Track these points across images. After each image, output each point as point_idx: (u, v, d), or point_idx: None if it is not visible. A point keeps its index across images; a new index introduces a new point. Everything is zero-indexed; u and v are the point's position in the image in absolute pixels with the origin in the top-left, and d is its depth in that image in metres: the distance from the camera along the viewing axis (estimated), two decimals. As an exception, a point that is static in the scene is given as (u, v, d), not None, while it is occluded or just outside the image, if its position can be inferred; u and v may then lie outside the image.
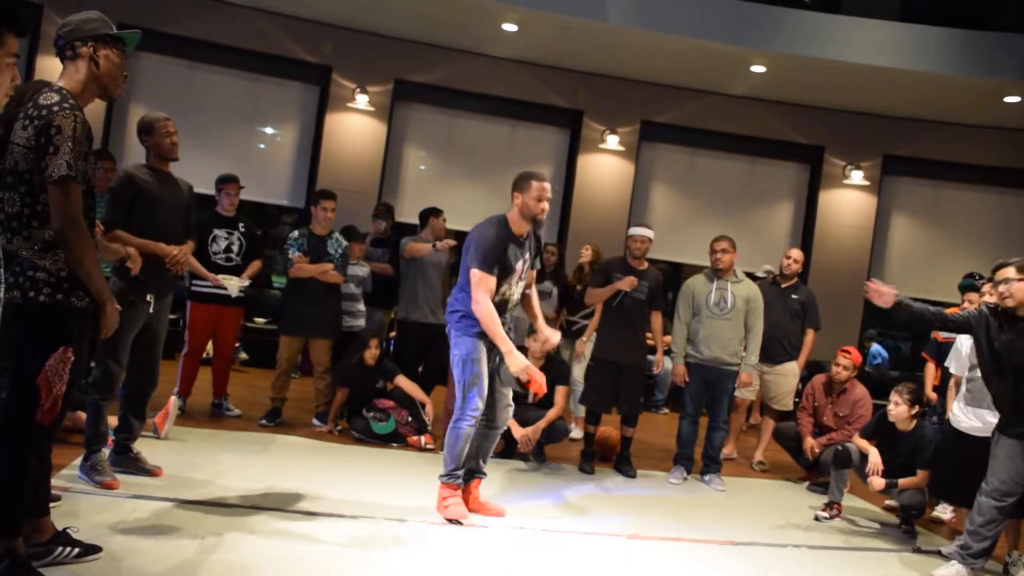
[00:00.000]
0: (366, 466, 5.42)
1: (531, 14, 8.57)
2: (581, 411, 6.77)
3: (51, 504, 3.32)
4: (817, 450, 6.20)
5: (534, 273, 4.82)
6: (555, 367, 6.06)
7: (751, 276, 6.67)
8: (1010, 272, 4.48)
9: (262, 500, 4.34)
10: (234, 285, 6.09)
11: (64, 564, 3.14)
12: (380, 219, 7.69)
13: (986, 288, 5.28)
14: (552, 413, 5.92)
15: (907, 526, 5.41)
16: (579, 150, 10.39)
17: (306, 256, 6.32)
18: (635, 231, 6.29)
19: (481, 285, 4.35)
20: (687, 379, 6.15)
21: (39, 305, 2.90)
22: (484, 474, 4.73)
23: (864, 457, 5.46)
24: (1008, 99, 9.31)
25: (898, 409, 5.42)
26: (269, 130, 10.26)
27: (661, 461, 6.60)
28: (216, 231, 6.28)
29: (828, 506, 5.56)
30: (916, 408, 5.46)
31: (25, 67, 8.58)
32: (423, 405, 6.25)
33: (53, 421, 2.94)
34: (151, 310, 4.43)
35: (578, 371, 6.94)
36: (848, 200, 10.68)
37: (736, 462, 7.04)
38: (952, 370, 5.42)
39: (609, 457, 6.35)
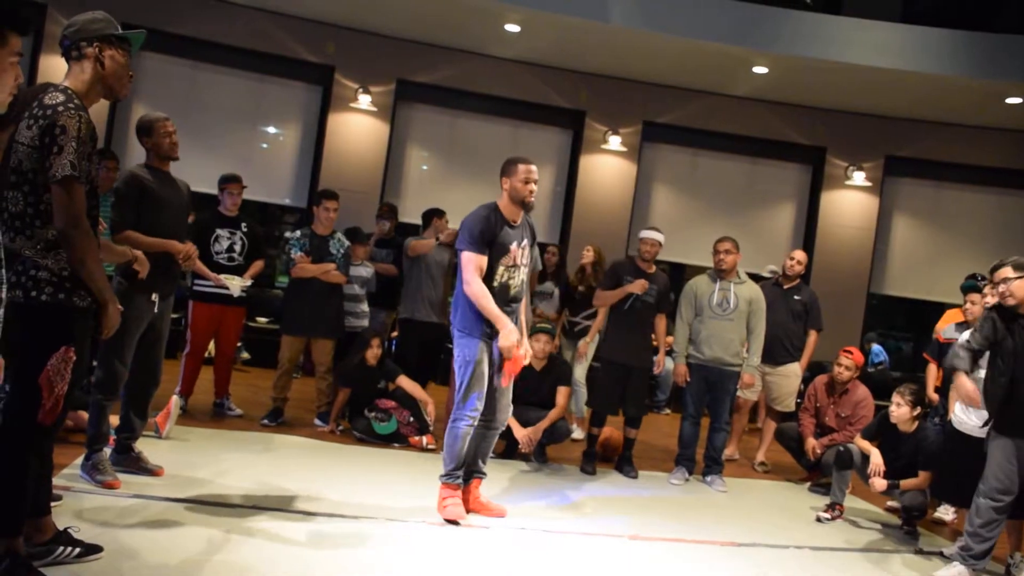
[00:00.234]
0: (367, 466, 5.42)
1: (533, 15, 8.57)
2: (584, 412, 6.77)
3: (52, 504, 3.32)
4: (819, 451, 6.20)
5: (535, 274, 4.81)
6: (557, 368, 6.06)
7: (756, 276, 6.67)
8: (1008, 271, 4.51)
9: (263, 500, 4.34)
10: (236, 285, 6.09)
11: (65, 564, 3.14)
12: (384, 219, 7.70)
13: (987, 290, 5.28)
14: (554, 414, 5.92)
15: (909, 527, 5.41)
16: (581, 151, 10.39)
17: (308, 256, 6.32)
18: (646, 234, 6.28)
19: (470, 265, 4.35)
20: (688, 379, 6.15)
21: (41, 304, 2.90)
22: (484, 474, 4.72)
23: (866, 458, 5.46)
24: (1010, 100, 9.30)
25: (900, 410, 5.42)
26: (272, 130, 10.27)
27: (663, 462, 6.60)
28: (219, 231, 6.29)
29: (830, 507, 5.56)
30: (918, 409, 5.46)
31: (29, 66, 8.59)
32: (425, 405, 6.25)
33: (55, 421, 2.94)
34: (155, 310, 4.43)
35: (579, 372, 6.94)
36: (850, 201, 10.67)
37: (738, 463, 7.04)
38: (954, 371, 5.41)
39: (611, 458, 6.35)
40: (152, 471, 4.49)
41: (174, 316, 7.40)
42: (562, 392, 6.00)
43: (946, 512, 5.96)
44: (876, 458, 5.40)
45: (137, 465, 4.49)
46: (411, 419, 6.15)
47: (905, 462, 5.38)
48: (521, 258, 4.55)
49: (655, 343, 6.49)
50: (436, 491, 4.53)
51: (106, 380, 4.33)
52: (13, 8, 2.66)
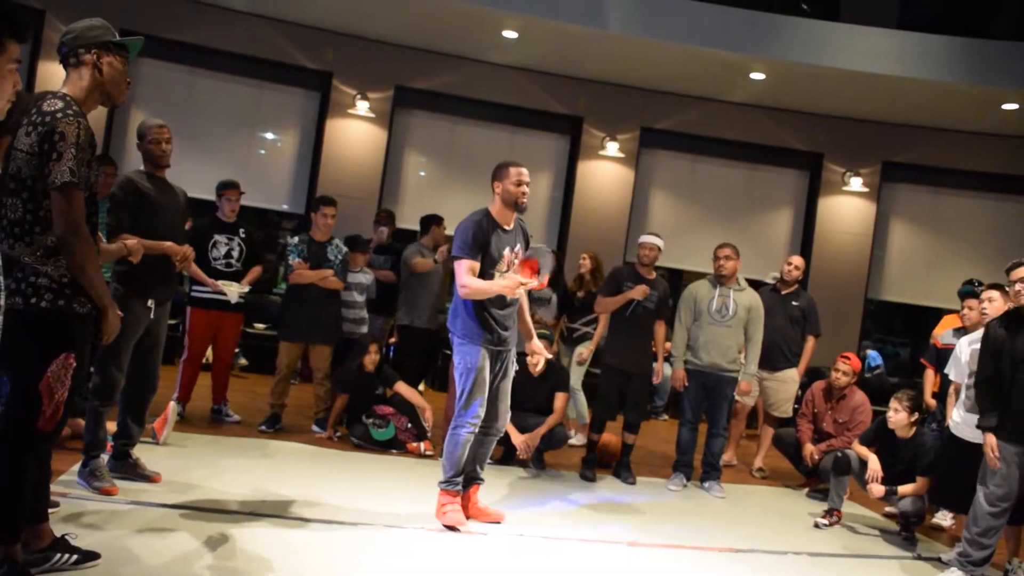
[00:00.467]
0: (365, 472, 5.42)
1: (531, 21, 8.59)
2: (586, 417, 6.77)
3: (50, 510, 3.32)
4: (817, 456, 6.20)
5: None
6: (554, 374, 6.05)
7: (755, 283, 6.67)
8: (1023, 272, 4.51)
9: (261, 506, 4.33)
10: (234, 291, 6.09)
11: (62, 571, 3.14)
12: (382, 226, 7.72)
13: (985, 295, 5.28)
14: (551, 420, 5.92)
15: (907, 533, 5.41)
16: (579, 157, 10.40)
17: (306, 262, 6.32)
18: (645, 239, 6.30)
19: (464, 269, 4.37)
20: (686, 384, 6.15)
21: (41, 311, 2.90)
22: (482, 480, 4.72)
23: (864, 464, 5.47)
24: (1007, 106, 9.33)
25: (898, 416, 5.42)
26: (270, 136, 10.27)
27: (661, 468, 6.60)
28: (217, 237, 6.29)
29: (828, 513, 5.56)
30: (915, 415, 5.46)
31: (27, 73, 8.60)
32: (423, 411, 6.25)
33: (55, 427, 2.94)
34: (152, 316, 4.43)
35: (575, 378, 6.91)
36: (847, 207, 10.69)
37: (736, 469, 7.03)
38: (951, 377, 5.42)
39: (609, 464, 6.35)
40: (150, 477, 4.49)
41: (172, 322, 7.40)
42: (560, 398, 6.00)
43: (944, 518, 5.96)
44: (874, 464, 5.40)
45: (135, 471, 4.49)
46: (409, 425, 6.14)
47: (903, 468, 5.38)
48: (515, 264, 4.56)
49: (654, 349, 6.49)
50: (434, 497, 4.53)
51: (102, 386, 4.32)
52: (11, 14, 2.66)
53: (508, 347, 4.55)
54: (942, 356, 6.05)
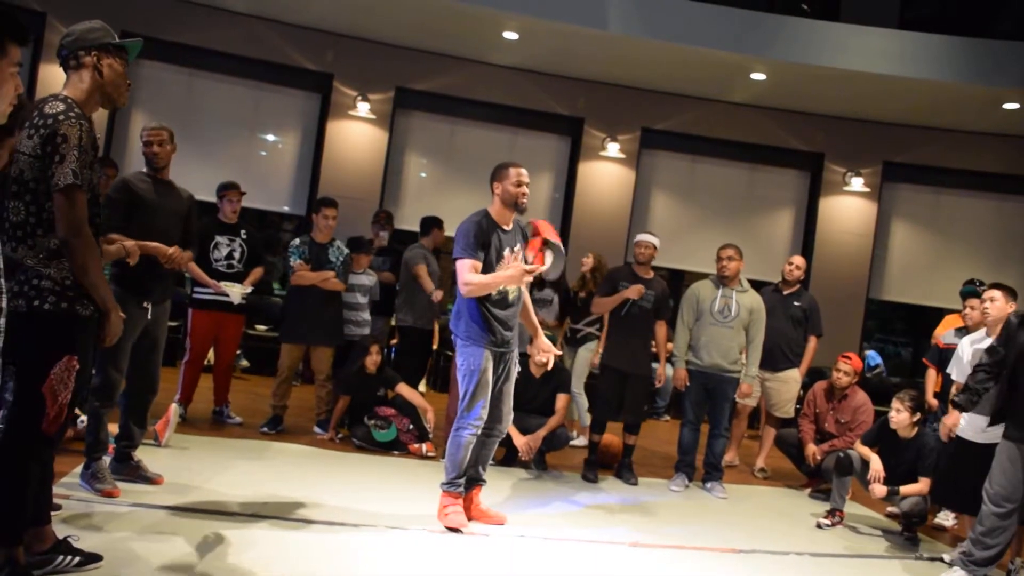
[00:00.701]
0: (367, 474, 5.42)
1: (532, 22, 8.59)
2: (586, 419, 6.76)
3: (52, 512, 3.32)
4: (819, 457, 6.19)
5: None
6: (556, 375, 6.05)
7: (756, 283, 6.66)
8: None
9: (263, 508, 4.33)
10: (237, 292, 6.09)
11: (65, 573, 3.14)
12: (382, 230, 7.72)
13: (987, 295, 5.28)
14: (553, 421, 5.91)
15: (909, 533, 5.41)
16: (580, 157, 10.40)
17: (307, 264, 6.32)
18: (641, 237, 6.31)
19: (466, 268, 4.36)
20: (688, 384, 6.15)
21: (44, 313, 2.90)
22: (484, 481, 4.72)
23: (866, 464, 5.46)
24: (1007, 106, 9.32)
25: (900, 416, 5.42)
26: (271, 138, 10.28)
27: (662, 468, 6.60)
28: (218, 238, 6.30)
29: (830, 513, 5.56)
30: (918, 415, 5.46)
31: (28, 75, 8.61)
32: (424, 412, 6.25)
33: (58, 430, 2.94)
34: (149, 316, 4.42)
35: (577, 380, 6.89)
36: (848, 207, 10.69)
37: (738, 469, 7.03)
38: (954, 376, 5.42)
39: (610, 465, 6.35)
40: (151, 479, 4.49)
41: (174, 324, 7.41)
42: (561, 399, 6.00)
43: (946, 518, 5.96)
44: (876, 464, 5.40)
45: (136, 473, 4.49)
46: (411, 427, 6.14)
47: (905, 468, 5.38)
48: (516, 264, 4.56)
49: (655, 350, 6.48)
50: (436, 498, 4.52)
51: (102, 387, 4.32)
52: (12, 18, 2.67)
53: (511, 348, 4.55)
54: (944, 356, 6.05)
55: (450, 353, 7.21)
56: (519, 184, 4.50)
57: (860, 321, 10.59)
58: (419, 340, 7.35)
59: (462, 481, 4.51)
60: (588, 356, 6.97)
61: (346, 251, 6.55)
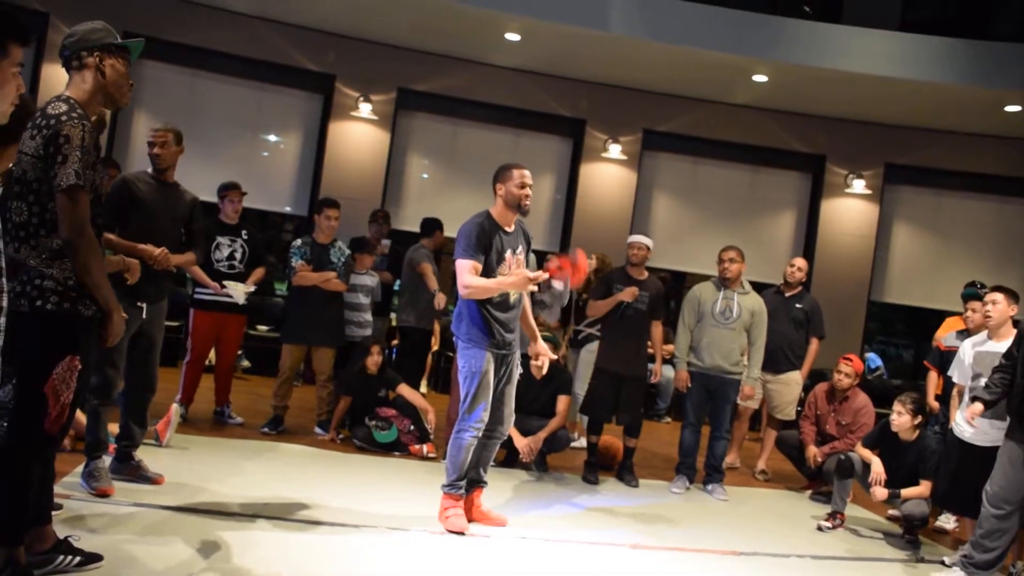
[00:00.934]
0: (368, 475, 5.42)
1: (534, 24, 8.59)
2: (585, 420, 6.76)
3: (53, 512, 3.32)
4: (820, 459, 6.19)
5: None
6: (557, 377, 6.05)
7: (758, 285, 6.66)
8: None
9: (263, 508, 4.33)
10: (240, 291, 6.10)
11: (65, 573, 3.15)
12: (384, 239, 7.73)
13: (989, 298, 5.28)
14: (554, 423, 5.91)
15: (910, 536, 5.40)
16: (581, 159, 10.40)
17: (309, 264, 6.33)
18: (633, 239, 6.31)
19: (466, 270, 4.35)
20: (689, 386, 6.15)
21: (47, 313, 2.90)
22: (485, 483, 4.72)
23: (867, 467, 5.46)
24: (1009, 108, 9.32)
25: (901, 419, 5.42)
26: (272, 138, 10.28)
27: (663, 470, 6.59)
28: (219, 238, 6.30)
29: (831, 515, 5.55)
30: (919, 418, 5.45)
31: (31, 75, 8.61)
32: (425, 414, 6.25)
33: (60, 429, 2.94)
34: (143, 315, 4.42)
35: (580, 381, 6.88)
36: (850, 209, 10.68)
37: (739, 471, 7.03)
38: (955, 379, 5.42)
39: (610, 466, 6.34)
40: (152, 479, 4.49)
41: (175, 324, 7.43)
42: (562, 401, 6.00)
43: (947, 521, 5.96)
44: (877, 467, 5.40)
45: (137, 473, 4.49)
46: (412, 428, 6.14)
47: (906, 471, 5.37)
48: (518, 266, 4.56)
49: (651, 351, 6.48)
50: (437, 499, 4.52)
51: (99, 385, 4.31)
52: (14, 18, 2.67)
53: (512, 351, 4.55)
54: (945, 358, 6.05)
55: (451, 354, 7.20)
56: (523, 186, 4.49)
57: (861, 323, 10.58)
58: (421, 340, 7.38)
59: (463, 483, 4.51)
60: (590, 358, 6.96)
61: (347, 252, 6.55)
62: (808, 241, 10.77)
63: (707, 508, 5.80)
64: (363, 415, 6.15)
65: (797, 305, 6.91)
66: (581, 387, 6.88)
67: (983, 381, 4.87)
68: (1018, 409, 4.44)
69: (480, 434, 4.46)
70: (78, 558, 3.20)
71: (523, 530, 4.58)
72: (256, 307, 7.96)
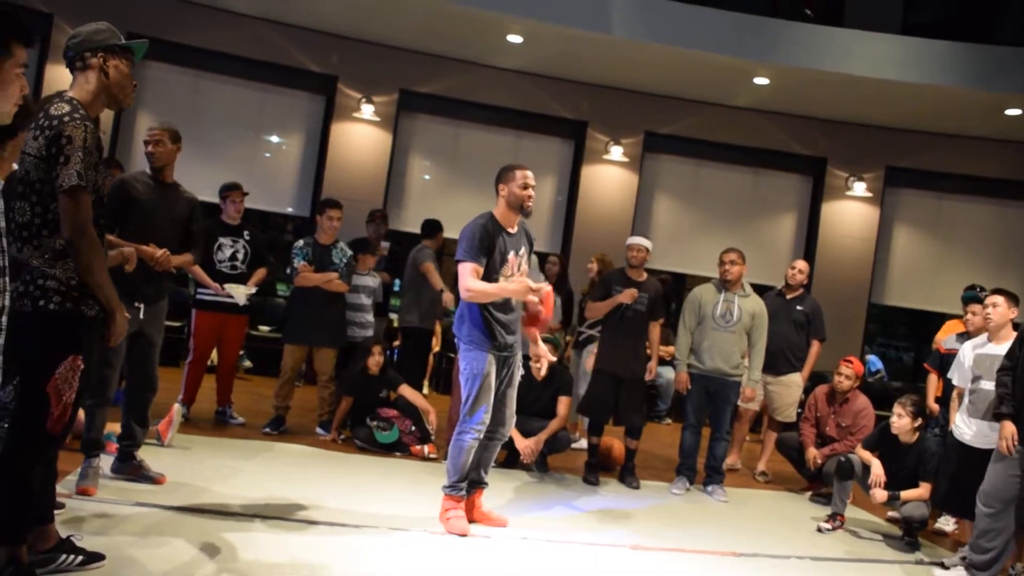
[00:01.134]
0: (369, 475, 5.43)
1: (536, 26, 8.61)
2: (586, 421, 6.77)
3: (55, 511, 3.33)
4: (820, 461, 6.20)
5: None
6: (558, 378, 6.06)
7: (759, 287, 6.67)
8: None
9: (265, 508, 4.34)
10: (241, 293, 6.11)
11: (68, 572, 3.16)
12: (377, 229, 7.72)
13: (989, 300, 5.28)
14: (555, 424, 5.92)
15: (910, 538, 5.41)
16: (583, 161, 10.41)
17: (311, 265, 6.34)
18: (632, 240, 6.31)
19: (468, 273, 4.35)
20: (689, 387, 6.15)
21: (49, 313, 2.92)
22: (486, 484, 4.72)
23: (867, 468, 5.46)
24: (1010, 112, 9.33)
25: (901, 421, 5.42)
26: (275, 139, 10.30)
27: (664, 471, 6.60)
28: (221, 239, 6.31)
29: (831, 517, 5.56)
30: (919, 420, 5.46)
31: (35, 76, 8.64)
32: (427, 414, 6.26)
33: (62, 429, 2.96)
34: (140, 316, 4.42)
35: (584, 383, 6.89)
36: (851, 211, 10.69)
37: (739, 473, 7.03)
38: (955, 381, 5.42)
39: (613, 468, 6.35)
40: (154, 479, 4.50)
41: (177, 324, 7.45)
42: (563, 402, 6.01)
43: (947, 523, 5.96)
44: (877, 469, 5.40)
45: (139, 473, 4.50)
46: (413, 428, 6.15)
47: (906, 473, 5.38)
48: (520, 267, 4.56)
49: (649, 351, 6.47)
50: (438, 500, 4.53)
51: (96, 384, 4.31)
52: (18, 19, 2.69)
53: (513, 352, 4.56)
54: (945, 361, 6.06)
55: (452, 355, 7.20)
56: (525, 187, 4.49)
57: (862, 325, 10.60)
58: (423, 341, 7.39)
59: (464, 484, 4.51)
60: (592, 359, 6.98)
61: (349, 253, 6.56)
62: (809, 243, 10.79)
63: (707, 509, 5.80)
64: (364, 416, 6.16)
65: (798, 307, 6.92)
66: (584, 388, 6.90)
67: (983, 384, 4.88)
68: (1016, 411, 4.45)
69: (481, 436, 4.47)
70: (80, 557, 3.21)
71: (524, 531, 4.59)
72: (258, 308, 7.98)
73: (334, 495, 4.73)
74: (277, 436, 6.15)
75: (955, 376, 5.40)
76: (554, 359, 4.84)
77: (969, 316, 6.02)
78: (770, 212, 10.96)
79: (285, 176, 10.10)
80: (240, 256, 6.34)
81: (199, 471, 4.85)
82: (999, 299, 5.14)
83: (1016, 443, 4.39)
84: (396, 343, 8.26)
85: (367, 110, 9.76)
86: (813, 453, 6.24)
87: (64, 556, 3.17)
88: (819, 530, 5.50)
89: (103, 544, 3.42)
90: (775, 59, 8.88)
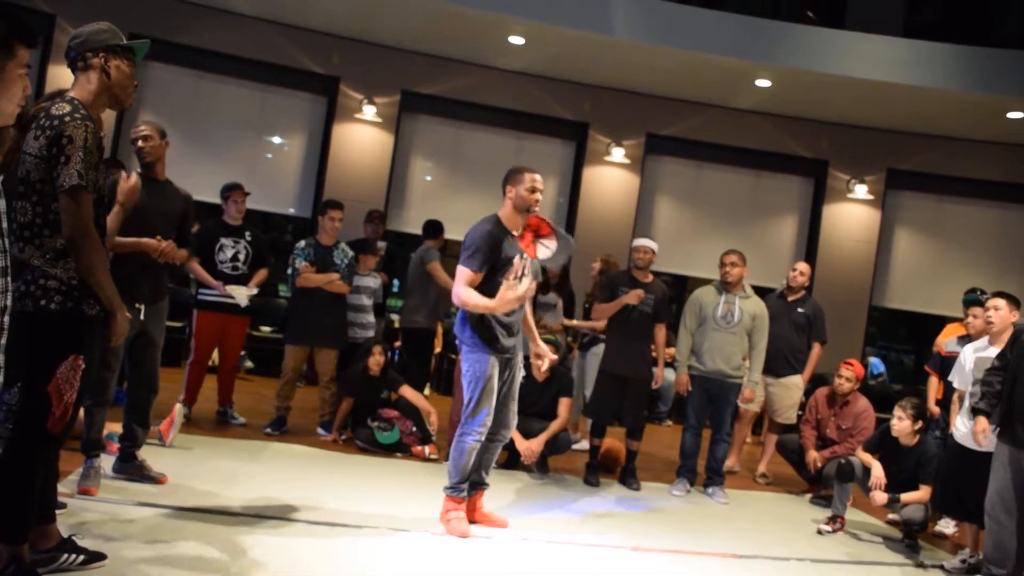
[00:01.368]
0: (370, 476, 5.43)
1: (538, 27, 8.62)
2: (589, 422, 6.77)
3: (57, 511, 3.33)
4: (820, 463, 6.20)
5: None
6: (559, 379, 6.07)
7: (760, 290, 6.67)
8: None
9: (266, 509, 4.35)
10: (243, 294, 6.12)
11: (69, 571, 3.16)
12: (375, 229, 7.72)
13: (990, 303, 5.29)
14: (555, 425, 5.92)
15: (910, 540, 5.41)
16: (584, 162, 10.42)
17: (312, 266, 6.34)
18: (639, 242, 6.32)
19: (463, 280, 4.35)
20: (690, 389, 6.16)
21: (50, 313, 2.92)
22: (486, 485, 4.73)
23: (867, 471, 5.46)
24: (1011, 115, 9.33)
25: (901, 424, 5.42)
26: (276, 140, 10.31)
27: (664, 473, 6.60)
28: (223, 240, 6.31)
29: (831, 519, 5.56)
30: (919, 423, 5.46)
31: (37, 76, 8.65)
32: (428, 415, 6.26)
33: (63, 429, 2.96)
34: (141, 317, 4.42)
35: (587, 384, 6.89)
36: (852, 214, 10.70)
37: (739, 475, 7.03)
38: (955, 384, 5.43)
39: (612, 469, 6.35)
40: (155, 479, 4.51)
41: (179, 324, 7.45)
42: (564, 403, 6.01)
43: (947, 526, 5.96)
44: (877, 471, 5.40)
45: (140, 473, 4.51)
46: (414, 429, 6.16)
47: (906, 475, 5.38)
48: (524, 270, 4.56)
49: (654, 354, 6.49)
50: (439, 501, 4.54)
51: (94, 384, 4.32)
52: (20, 20, 2.69)
53: (515, 354, 4.56)
54: (946, 364, 6.06)
55: (453, 356, 7.21)
56: (533, 190, 4.47)
57: (863, 328, 10.60)
58: (427, 341, 7.38)
59: (465, 486, 4.52)
60: (596, 361, 6.98)
61: (351, 253, 6.56)
62: (810, 245, 10.79)
63: (708, 511, 5.80)
64: (365, 416, 6.17)
65: (799, 309, 6.92)
66: (588, 389, 6.91)
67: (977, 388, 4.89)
68: (1008, 412, 4.45)
69: (483, 438, 4.47)
70: (82, 556, 3.22)
71: (524, 532, 4.59)
72: (259, 308, 7.98)
73: (335, 496, 4.74)
74: (278, 436, 6.15)
75: (956, 379, 5.41)
76: (555, 358, 4.84)
77: (970, 319, 6.02)
78: (771, 214, 10.97)
79: (287, 177, 10.11)
80: (242, 257, 6.35)
81: (200, 471, 4.86)
82: (1000, 302, 5.14)
83: (988, 437, 4.55)
84: (396, 344, 8.26)
85: (369, 111, 9.77)
86: (813, 455, 6.24)
87: (66, 555, 3.18)
88: (819, 532, 5.50)
89: (104, 544, 3.43)
90: (777, 61, 8.89)
